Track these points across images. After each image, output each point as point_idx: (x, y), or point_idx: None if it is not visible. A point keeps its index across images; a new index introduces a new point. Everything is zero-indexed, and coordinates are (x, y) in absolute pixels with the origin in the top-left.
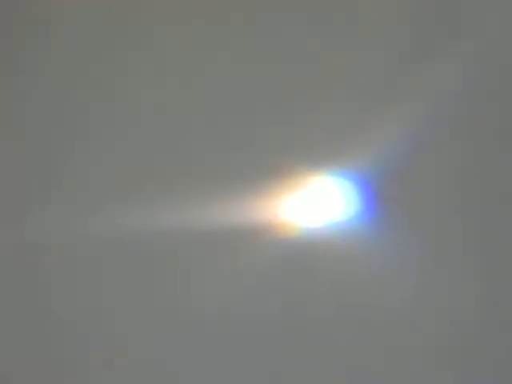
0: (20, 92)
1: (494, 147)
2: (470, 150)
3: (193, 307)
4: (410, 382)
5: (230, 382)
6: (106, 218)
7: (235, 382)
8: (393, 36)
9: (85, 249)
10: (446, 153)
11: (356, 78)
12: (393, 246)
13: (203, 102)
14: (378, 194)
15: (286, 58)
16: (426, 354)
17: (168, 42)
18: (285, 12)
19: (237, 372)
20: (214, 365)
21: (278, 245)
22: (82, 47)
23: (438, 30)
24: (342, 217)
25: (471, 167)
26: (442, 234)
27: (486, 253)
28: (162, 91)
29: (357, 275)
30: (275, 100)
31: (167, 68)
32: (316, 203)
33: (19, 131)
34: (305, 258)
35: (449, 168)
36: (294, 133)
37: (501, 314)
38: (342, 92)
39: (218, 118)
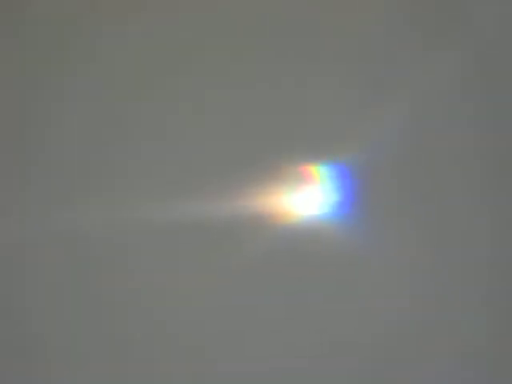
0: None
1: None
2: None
3: (188, 299)
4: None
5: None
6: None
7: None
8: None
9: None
10: (430, 148)
11: (347, 76)
12: (381, 234)
13: (198, 93)
14: (368, 186)
15: (283, 57)
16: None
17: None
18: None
19: (237, 365)
20: (213, 357)
21: (271, 235)
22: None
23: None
24: (331, 207)
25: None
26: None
27: (474, 244)
28: (160, 91)
29: (349, 264)
30: (271, 95)
31: (164, 71)
32: (307, 194)
33: (61, 129)
34: (297, 247)
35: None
36: (284, 123)
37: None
38: (335, 86)
39: (212, 111)
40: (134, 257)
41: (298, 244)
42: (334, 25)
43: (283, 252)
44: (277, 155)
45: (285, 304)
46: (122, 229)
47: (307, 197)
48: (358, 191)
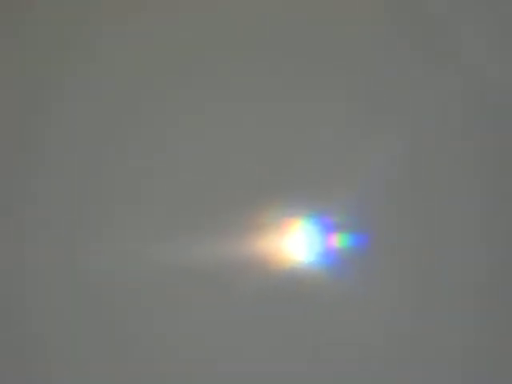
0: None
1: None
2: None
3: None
4: None
5: None
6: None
7: None
8: None
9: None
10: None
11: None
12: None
13: (198, 95)
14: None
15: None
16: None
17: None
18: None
19: None
20: None
21: (265, 280)
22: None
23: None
24: (324, 254)
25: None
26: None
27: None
28: (160, 92)
29: (341, 308)
30: (263, 142)
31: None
32: (299, 241)
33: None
34: (290, 293)
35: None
36: (284, 158)
37: None
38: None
39: (202, 153)
40: (133, 292)
41: (295, 285)
42: (333, 35)
43: (281, 292)
44: (274, 200)
45: (280, 340)
46: (121, 262)
47: (303, 243)
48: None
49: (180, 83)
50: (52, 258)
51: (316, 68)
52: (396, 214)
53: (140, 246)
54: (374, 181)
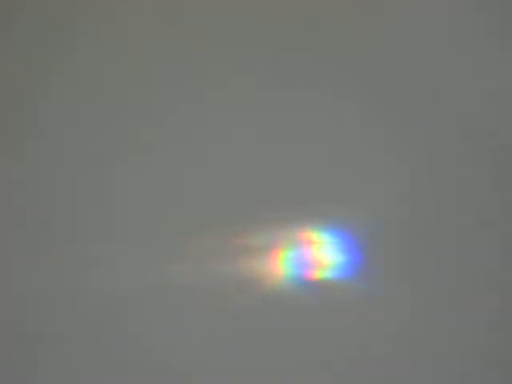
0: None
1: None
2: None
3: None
4: None
5: None
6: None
7: None
8: None
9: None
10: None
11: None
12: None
13: (197, 97)
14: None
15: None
16: None
17: None
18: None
19: None
20: None
21: (267, 298)
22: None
23: None
24: (331, 270)
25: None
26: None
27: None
28: (160, 93)
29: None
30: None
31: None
32: (306, 257)
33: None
34: (294, 311)
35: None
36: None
37: None
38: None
39: (206, 170)
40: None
41: (297, 301)
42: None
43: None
44: (275, 215)
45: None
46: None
47: (306, 258)
48: (360, 252)
49: (180, 83)
50: (52, 258)
51: (315, 72)
52: (397, 215)
53: (139, 246)
54: (375, 186)
